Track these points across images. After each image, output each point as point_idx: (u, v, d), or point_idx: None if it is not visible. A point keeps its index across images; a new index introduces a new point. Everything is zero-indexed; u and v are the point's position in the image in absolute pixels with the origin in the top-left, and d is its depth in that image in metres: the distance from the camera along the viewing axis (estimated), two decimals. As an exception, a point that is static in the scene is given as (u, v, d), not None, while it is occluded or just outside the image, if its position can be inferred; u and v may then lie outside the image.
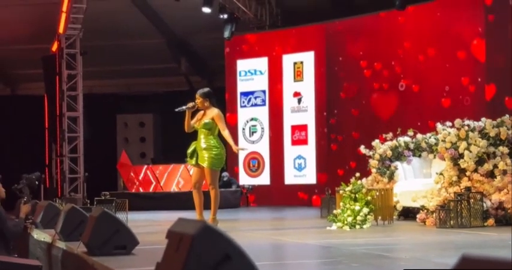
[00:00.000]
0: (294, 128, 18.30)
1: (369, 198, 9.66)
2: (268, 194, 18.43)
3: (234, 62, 19.35)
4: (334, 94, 17.65)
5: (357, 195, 9.68)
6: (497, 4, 14.35)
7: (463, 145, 9.49)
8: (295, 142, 18.26)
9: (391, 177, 11.24)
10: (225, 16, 18.64)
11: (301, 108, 18.18)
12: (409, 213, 10.81)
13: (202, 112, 9.74)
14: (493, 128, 9.49)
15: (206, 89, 9.87)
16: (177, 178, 17.54)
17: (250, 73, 19.09)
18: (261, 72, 18.94)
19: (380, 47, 16.83)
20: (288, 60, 18.49)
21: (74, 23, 19.31)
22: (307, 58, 18.20)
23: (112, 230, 6.21)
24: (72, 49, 19.64)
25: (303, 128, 18.13)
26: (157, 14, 20.87)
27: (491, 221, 9.07)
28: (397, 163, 11.35)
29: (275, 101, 18.69)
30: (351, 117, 17.33)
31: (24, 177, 9.07)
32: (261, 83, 18.92)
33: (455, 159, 9.53)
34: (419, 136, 11.57)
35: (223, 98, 19.49)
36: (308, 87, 18.14)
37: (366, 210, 9.41)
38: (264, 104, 18.85)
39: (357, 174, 10.29)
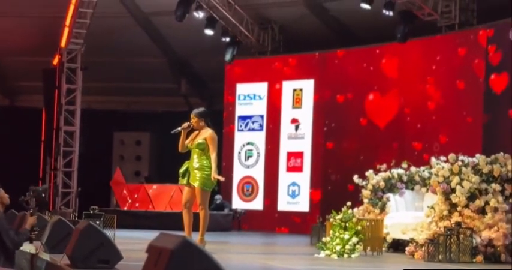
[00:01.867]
0: (290, 155, 18.27)
1: (359, 227, 9.62)
2: (261, 219, 18.36)
3: (234, 86, 19.37)
4: (332, 123, 17.64)
5: (347, 224, 9.65)
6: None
7: (455, 180, 9.46)
8: (290, 169, 18.23)
9: (382, 209, 11.20)
10: (227, 39, 18.70)
11: (298, 136, 18.17)
12: (398, 246, 10.75)
13: (196, 132, 9.73)
14: (487, 164, 9.47)
15: (202, 109, 9.89)
16: (170, 198, 17.47)
17: (250, 97, 19.11)
18: (260, 97, 18.96)
19: (381, 78, 16.86)
20: (288, 87, 18.52)
21: (76, 38, 19.35)
22: (307, 85, 18.23)
23: (96, 244, 6.18)
24: (73, 63, 19.67)
25: (299, 155, 18.11)
26: (160, 34, 20.93)
27: (480, 258, 9.04)
28: (390, 195, 11.31)
29: (272, 126, 18.69)
30: (348, 146, 17.31)
31: (31, 189, 9.03)
32: (259, 107, 18.93)
33: (447, 193, 9.50)
34: (413, 169, 11.54)
35: (222, 120, 19.51)
36: (306, 114, 18.14)
37: (355, 239, 9.37)
38: (262, 129, 18.84)
39: (348, 203, 10.25)
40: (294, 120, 18.30)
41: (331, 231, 9.88)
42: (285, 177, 18.31)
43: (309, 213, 17.83)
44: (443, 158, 11.16)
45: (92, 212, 9.56)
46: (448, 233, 8.93)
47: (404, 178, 11.47)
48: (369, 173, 11.60)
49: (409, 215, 10.79)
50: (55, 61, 19.91)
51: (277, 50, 19.33)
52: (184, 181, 9.55)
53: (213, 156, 9.38)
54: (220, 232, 15.53)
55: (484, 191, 9.39)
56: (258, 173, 18.79)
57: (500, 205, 9.26)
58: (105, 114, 22.50)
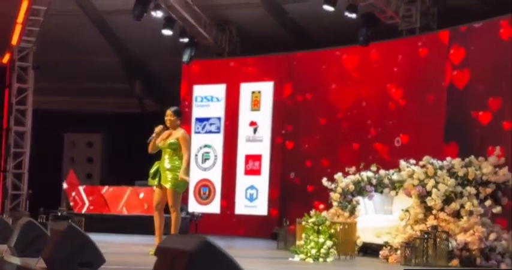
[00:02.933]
0: (248, 158, 18.04)
1: (332, 231, 9.43)
2: (218, 222, 18.07)
3: (191, 87, 19.07)
4: (292, 124, 17.47)
5: (320, 228, 9.45)
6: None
7: (431, 183, 9.35)
8: (248, 172, 18.00)
9: (352, 212, 11.04)
10: (186, 40, 18.39)
11: (257, 138, 17.96)
12: (367, 250, 10.60)
13: (168, 132, 9.42)
14: (462, 167, 9.37)
15: (177, 107, 9.61)
16: (123, 200, 17.09)
17: (207, 99, 18.83)
18: (217, 99, 18.69)
19: (340, 79, 16.75)
20: (246, 89, 18.29)
21: (28, 36, 18.82)
22: (266, 88, 18.03)
23: (77, 246, 5.84)
24: (24, 62, 19.15)
25: (257, 158, 17.90)
26: (115, 33, 20.51)
27: (455, 262, 8.93)
28: (359, 198, 11.17)
29: (230, 129, 18.44)
30: (308, 149, 17.16)
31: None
32: (217, 109, 18.67)
33: (423, 196, 9.38)
34: (382, 172, 11.42)
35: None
36: (265, 117, 17.94)
37: (329, 243, 9.17)
38: (219, 131, 18.58)
39: (321, 206, 10.04)
40: (252, 123, 18.08)
41: (303, 235, 9.68)
42: (242, 181, 18.07)
43: (267, 217, 17.63)
44: (413, 161, 11.13)
45: (59, 213, 9.19)
46: (425, 236, 8.80)
47: (374, 181, 11.34)
48: (338, 176, 11.43)
49: (381, 218, 10.66)
50: (5, 59, 19.33)
51: (235, 51, 19.10)
52: (155, 182, 9.23)
53: (186, 156, 9.08)
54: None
55: (459, 194, 9.30)
56: (215, 176, 18.52)
57: (475, 208, 9.17)
58: (55, 114, 21.92)
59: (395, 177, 11.22)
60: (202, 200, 18.65)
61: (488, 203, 9.24)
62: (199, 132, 18.83)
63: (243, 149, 18.14)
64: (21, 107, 19.09)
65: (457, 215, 9.26)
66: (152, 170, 9.32)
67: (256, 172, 17.87)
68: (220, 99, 18.66)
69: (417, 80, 15.24)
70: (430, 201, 9.26)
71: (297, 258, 9.05)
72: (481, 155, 10.13)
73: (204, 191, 18.66)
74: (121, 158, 22.20)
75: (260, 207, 17.80)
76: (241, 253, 11.01)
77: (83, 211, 17.62)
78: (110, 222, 16.51)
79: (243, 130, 18.21)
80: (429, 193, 9.34)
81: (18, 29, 18.58)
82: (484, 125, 13.78)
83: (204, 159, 18.72)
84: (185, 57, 18.54)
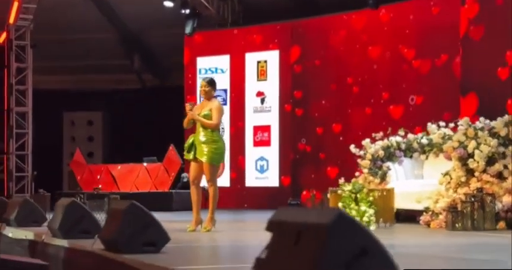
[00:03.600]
0: (257, 129, 17.73)
1: (371, 198, 9.17)
2: (228, 196, 17.75)
3: (194, 59, 18.69)
4: (301, 92, 17.15)
5: (358, 196, 9.19)
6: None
7: (472, 144, 9.09)
8: (257, 143, 17.70)
9: (383, 178, 10.80)
10: (187, 11, 17.98)
11: (265, 109, 17.64)
12: (399, 216, 10.36)
13: (200, 104, 9.13)
14: (503, 127, 9.12)
15: (211, 78, 9.29)
16: (136, 178, 16.79)
17: (211, 71, 18.45)
18: (222, 71, 18.32)
19: (349, 44, 16.41)
20: (252, 59, 17.93)
21: (24, 14, 18.33)
22: (272, 57, 17.68)
23: (141, 225, 5.54)
24: (21, 41, 18.67)
25: (266, 129, 17.59)
26: (112, 8, 20.06)
27: (502, 224, 8.71)
28: (389, 164, 10.92)
29: (237, 100, 18.10)
30: (318, 116, 16.84)
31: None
32: (222, 81, 18.24)
33: (464, 159, 9.13)
34: (410, 136, 11.17)
35: (182, 97, 18.82)
36: (272, 86, 17.61)
37: (371, 211, 8.92)
38: (225, 104, 18.20)
39: (356, 174, 9.74)
40: (259, 93, 17.75)
41: (340, 204, 9.43)
42: (252, 152, 17.77)
43: (279, 188, 17.38)
44: (442, 123, 10.89)
45: (95, 192, 8.90)
46: (472, 199, 8.56)
47: (403, 146, 11.09)
48: (366, 142, 11.17)
49: (415, 183, 10.42)
50: (2, 39, 18.84)
51: (237, 21, 18.71)
52: (191, 156, 8.92)
53: (213, 121, 8.76)
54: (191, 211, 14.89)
55: (501, 154, 9.05)
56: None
57: (519, 169, 8.94)
58: (53, 94, 21.48)
59: (424, 141, 10.99)
60: (211, 174, 18.33)
61: (532, 163, 9.00)
62: (205, 105, 18.45)
63: (251, 121, 17.82)
64: (21, 87, 18.65)
65: (499, 176, 9.03)
66: (187, 144, 9.02)
67: (266, 143, 17.58)
68: (225, 70, 18.29)
69: (430, 39, 14.87)
70: (472, 163, 9.01)
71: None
72: (501, 109, 9.88)
73: (213, 165, 18.33)
74: (122, 136, 21.87)
75: (271, 179, 17.53)
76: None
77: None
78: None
79: (250, 101, 17.87)
80: (470, 155, 9.09)
81: (15, 6, 18.07)
82: (502, 80, 13.48)
83: (212, 133, 18.36)
84: (187, 29, 18.14)
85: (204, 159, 8.72)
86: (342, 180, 11.11)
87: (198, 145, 8.79)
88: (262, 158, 17.61)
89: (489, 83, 13.66)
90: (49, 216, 9.62)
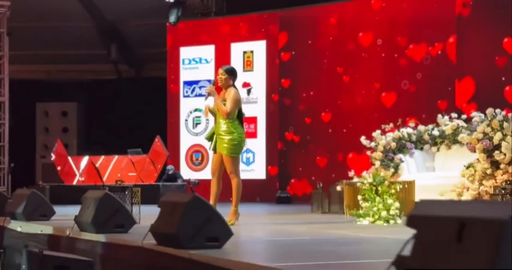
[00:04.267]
0: (243, 120, 17.33)
1: (393, 191, 8.92)
2: (213, 189, 17.43)
3: (177, 49, 18.26)
4: (288, 84, 16.86)
5: (379, 188, 8.94)
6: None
7: (497, 136, 8.91)
8: (244, 135, 17.33)
9: (395, 171, 10.56)
10: (171, 0, 17.54)
11: (251, 100, 17.31)
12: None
13: (220, 93, 8.79)
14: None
15: (229, 66, 8.95)
16: (120, 170, 16.32)
17: (195, 61, 18.06)
18: (206, 61, 17.95)
19: (338, 38, 16.17)
20: (237, 49, 17.58)
21: (1, 0, 17.67)
22: (258, 47, 17.36)
23: (204, 220, 5.20)
24: (-2, 28, 18.01)
25: (253, 120, 17.27)
26: (90, -4, 19.52)
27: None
28: (400, 156, 10.69)
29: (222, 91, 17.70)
30: (306, 105, 16.57)
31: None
32: (206, 72, 17.93)
33: (489, 150, 8.94)
34: (421, 127, 10.97)
35: (161, 88, 18.42)
36: (259, 77, 17.30)
37: (397, 204, 8.67)
38: (210, 94, 17.81)
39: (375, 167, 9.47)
40: (245, 84, 17.40)
41: (359, 196, 9.18)
42: (238, 144, 17.40)
43: (266, 181, 17.09)
44: (454, 114, 10.73)
45: (118, 184, 8.51)
46: (503, 192, 8.36)
47: (413, 138, 10.88)
48: (376, 133, 10.93)
49: (429, 176, 10.21)
50: (-24, 26, 18.15)
51: (221, 11, 18.34)
52: (211, 148, 8.60)
53: (228, 106, 8.43)
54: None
55: (526, 147, 8.89)
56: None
57: (546, 161, 8.78)
58: (27, 83, 20.84)
59: (435, 132, 10.80)
60: (195, 166, 17.99)
61: (557, 155, 8.85)
62: (188, 96, 18.09)
63: (237, 112, 17.43)
64: (-3, 76, 18.01)
65: (525, 168, 8.86)
66: (208, 135, 8.70)
67: (252, 135, 17.24)
68: (210, 60, 17.92)
69: (424, 26, 14.68)
70: (498, 155, 8.82)
71: (366, 221, 8.51)
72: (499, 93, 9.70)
73: (197, 157, 17.99)
74: (98, 127, 21.36)
75: (258, 171, 17.23)
76: (289, 219, 10.41)
77: (74, 183, 16.82)
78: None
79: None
80: (495, 147, 8.90)
81: (-9, -8, 17.43)
82: (499, 66, 13.37)
83: (195, 124, 18.02)
84: (172, 18, 17.68)
85: (223, 151, 8.41)
86: (352, 173, 10.92)
87: (218, 137, 8.47)
88: (248, 150, 17.27)
89: (485, 69, 13.56)
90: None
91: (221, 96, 8.65)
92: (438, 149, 10.74)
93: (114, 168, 16.57)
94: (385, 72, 15.38)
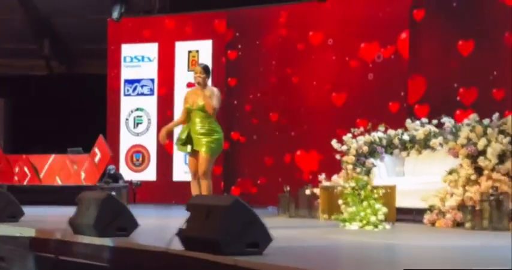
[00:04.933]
0: (187, 121, 16.96)
1: (376, 196, 8.76)
2: (154, 190, 17.02)
3: (119, 47, 17.72)
4: (235, 82, 16.56)
5: (361, 192, 8.77)
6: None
7: (482, 142, 8.86)
8: (187, 136, 16.93)
9: (367, 175, 10.43)
10: (114, -5, 17.04)
11: (196, 100, 16.90)
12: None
13: (194, 92, 8.45)
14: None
15: (206, 64, 8.65)
16: (60, 169, 15.70)
17: (137, 59, 17.57)
18: (149, 59, 17.48)
19: (288, 38, 15.98)
20: (182, 48, 17.19)
21: None
22: (204, 46, 17.01)
23: (244, 225, 4.89)
24: None
25: (197, 120, 16.86)
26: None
27: (512, 224, 8.52)
28: (372, 160, 10.58)
29: (165, 91, 17.31)
30: (254, 105, 16.33)
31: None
32: (149, 70, 17.46)
33: (474, 156, 8.88)
34: (391, 132, 10.88)
35: (103, 85, 17.84)
36: (204, 77, 16.90)
37: (384, 209, 8.53)
38: (152, 94, 17.40)
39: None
40: (190, 84, 16.99)
41: (339, 201, 9.01)
42: (181, 145, 16.99)
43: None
44: (425, 119, 10.71)
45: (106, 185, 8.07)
46: (491, 198, 8.31)
47: (384, 142, 10.79)
48: (347, 137, 10.78)
49: (404, 181, 10.11)
50: None
51: (165, 8, 17.91)
52: (188, 149, 8.25)
53: (215, 105, 8.14)
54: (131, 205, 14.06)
55: (510, 152, 8.87)
56: (149, 141, 17.37)
57: (529, 168, 8.78)
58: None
59: (406, 137, 10.74)
60: (135, 167, 17.48)
61: (539, 161, 8.86)
62: (129, 95, 17.58)
63: (180, 112, 17.00)
64: None
65: (508, 174, 8.84)
66: (183, 136, 8.34)
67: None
68: (153, 59, 17.46)
69: (376, 27, 14.64)
70: (482, 161, 8.77)
71: (355, 226, 8.31)
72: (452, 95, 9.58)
73: (137, 158, 17.49)
74: (26, 124, 20.55)
75: (201, 174, 16.83)
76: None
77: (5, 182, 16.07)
78: (42, 194, 15.15)
79: (180, 92, 17.08)
80: (481, 153, 8.85)
81: None
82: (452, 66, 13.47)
83: (136, 124, 17.52)
84: (115, 14, 17.18)
85: (203, 150, 8.09)
86: (322, 177, 10.76)
87: (196, 136, 8.15)
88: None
89: (438, 71, 13.61)
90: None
91: (199, 95, 8.29)
92: (408, 154, 10.68)
93: (53, 167, 15.90)
94: (336, 73, 15.27)
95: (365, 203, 8.46)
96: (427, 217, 9.01)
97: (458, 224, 8.67)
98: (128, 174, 17.10)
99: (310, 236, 7.18)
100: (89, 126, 17.37)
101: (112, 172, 16.22)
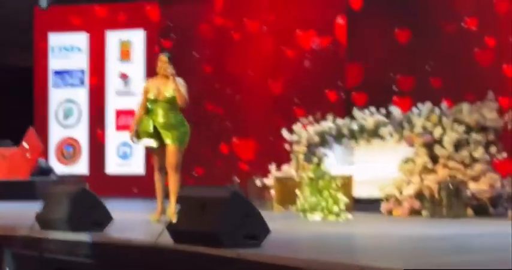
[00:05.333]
0: (120, 113, 16.63)
1: (334, 185, 8.73)
2: (88, 184, 16.57)
3: (45, 36, 17.19)
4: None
5: (320, 183, 8.73)
6: None
7: (438, 130, 8.93)
8: (120, 128, 16.58)
9: (318, 165, 10.38)
10: (41, -17, 16.50)
11: (129, 92, 16.58)
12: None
13: (158, 82, 8.24)
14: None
15: (168, 53, 8.44)
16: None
17: (66, 50, 17.07)
18: (79, 49, 17.00)
19: (223, 26, 15.78)
20: (113, 38, 16.78)
21: None
22: (137, 37, 16.65)
23: (242, 216, 4.77)
24: None
25: (130, 112, 16.51)
26: None
27: (469, 211, 8.65)
28: (323, 150, 10.56)
29: (96, 82, 16.88)
30: (192, 96, 16.03)
31: None
32: (79, 61, 16.99)
33: (429, 145, 8.95)
34: (340, 121, 10.87)
35: (29, 76, 17.29)
36: (137, 68, 16.59)
37: (345, 198, 8.51)
38: (83, 85, 16.95)
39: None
40: (122, 75, 16.67)
41: (297, 191, 8.94)
42: (114, 138, 16.65)
43: (145, 176, 16.44)
44: (373, 109, 10.76)
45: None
46: (449, 186, 8.39)
47: (333, 131, 10.77)
48: (297, 127, 10.72)
49: (359, 170, 10.13)
50: None
51: (93, -3, 17.45)
52: (154, 144, 8.03)
53: (186, 97, 7.98)
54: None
55: (464, 141, 8.98)
56: (81, 134, 16.92)
57: (484, 156, 8.92)
58: None
59: (355, 126, 10.76)
60: (66, 160, 17.00)
61: (493, 149, 9.01)
62: (58, 87, 17.07)
63: (113, 104, 16.67)
64: None
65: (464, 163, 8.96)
66: (147, 129, 8.09)
67: (130, 127, 16.49)
68: (83, 49, 16.99)
69: (313, 13, 14.52)
70: (439, 150, 8.84)
71: (317, 217, 8.25)
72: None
73: (68, 151, 17.01)
74: None
75: (136, 165, 16.54)
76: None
77: None
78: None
79: (112, 83, 16.74)
80: (437, 141, 8.93)
81: None
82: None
83: (66, 116, 17.04)
84: (43, 2, 16.63)
85: (172, 142, 7.90)
86: (273, 167, 10.68)
87: (164, 129, 7.94)
88: (125, 144, 16.55)
89: (376, 58, 13.63)
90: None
91: (166, 85, 8.08)
92: (357, 143, 10.69)
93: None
94: (272, 61, 15.15)
95: (325, 193, 8.41)
96: (384, 206, 9.04)
97: (415, 212, 8.74)
98: (58, 167, 16.64)
99: (286, 228, 7.08)
100: (16, 120, 16.81)
101: (44, 165, 15.75)
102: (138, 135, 8.19)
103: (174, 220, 7.79)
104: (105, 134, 16.74)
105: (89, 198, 5.97)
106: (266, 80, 15.16)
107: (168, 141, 7.95)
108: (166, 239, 5.02)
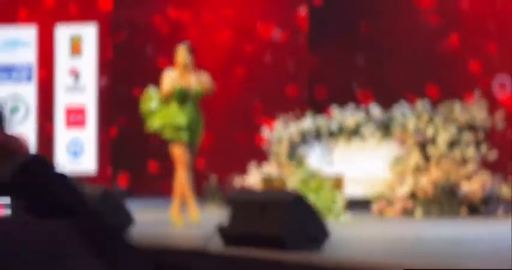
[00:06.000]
0: (70, 109, 16.08)
1: (328, 186, 8.58)
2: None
3: (-8, 29, 16.50)
4: (125, 68, 15.83)
5: (312, 183, 8.57)
6: None
7: (430, 130, 8.87)
8: (70, 125, 16.05)
9: (300, 165, 10.21)
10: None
11: (79, 88, 16.06)
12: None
13: (180, 74, 7.81)
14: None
15: (188, 44, 8.02)
16: None
17: (12, 44, 16.41)
18: (26, 44, 16.37)
19: (178, 16, 15.45)
20: (63, 31, 16.20)
21: None
22: (88, 30, 16.13)
23: (303, 220, 4.54)
24: None
25: (81, 109, 16.03)
26: None
27: (464, 211, 8.63)
28: (303, 149, 10.39)
29: (45, 77, 16.28)
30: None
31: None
32: (26, 55, 16.35)
33: (423, 145, 8.88)
34: (320, 120, 10.71)
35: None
36: (88, 63, 16.08)
37: (341, 199, 8.36)
38: (30, 81, 16.33)
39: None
40: (72, 71, 16.13)
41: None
42: (63, 135, 16.09)
43: (97, 175, 15.96)
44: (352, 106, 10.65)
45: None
46: (444, 186, 8.33)
47: (313, 130, 10.61)
48: (278, 125, 10.51)
49: (340, 170, 9.97)
50: None
51: (42, -12, 16.85)
52: (185, 137, 7.58)
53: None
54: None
55: (457, 140, 8.95)
56: (29, 131, 16.28)
57: (474, 155, 8.90)
58: None
59: (334, 125, 10.62)
60: (12, 159, 16.36)
61: (484, 148, 9.00)
62: (4, 83, 16.40)
63: (63, 100, 16.10)
64: None
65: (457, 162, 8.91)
66: (184, 121, 7.55)
67: (80, 124, 16.01)
68: (30, 43, 16.36)
69: (274, 4, 14.40)
70: (432, 149, 8.78)
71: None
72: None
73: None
74: None
75: (87, 164, 16.03)
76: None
77: None
78: None
79: (61, 79, 16.17)
80: (428, 141, 8.86)
81: None
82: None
83: (13, 113, 16.38)
84: (-11, -6, 15.94)
85: (198, 141, 7.57)
86: (252, 166, 10.46)
87: (196, 126, 7.54)
88: (75, 141, 16.04)
89: (338, 51, 13.44)
90: None
91: (192, 79, 7.67)
92: (337, 143, 10.56)
93: None
94: (230, 54, 14.93)
95: (323, 193, 8.24)
96: (375, 206, 8.93)
97: (407, 212, 8.67)
98: (4, 165, 15.99)
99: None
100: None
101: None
102: (167, 129, 7.65)
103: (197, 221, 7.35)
104: (54, 132, 16.19)
105: (113, 201, 5.63)
106: (224, 74, 14.90)
107: (197, 139, 7.56)
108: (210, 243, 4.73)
